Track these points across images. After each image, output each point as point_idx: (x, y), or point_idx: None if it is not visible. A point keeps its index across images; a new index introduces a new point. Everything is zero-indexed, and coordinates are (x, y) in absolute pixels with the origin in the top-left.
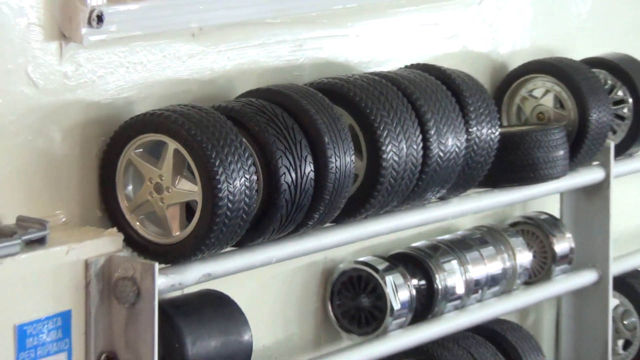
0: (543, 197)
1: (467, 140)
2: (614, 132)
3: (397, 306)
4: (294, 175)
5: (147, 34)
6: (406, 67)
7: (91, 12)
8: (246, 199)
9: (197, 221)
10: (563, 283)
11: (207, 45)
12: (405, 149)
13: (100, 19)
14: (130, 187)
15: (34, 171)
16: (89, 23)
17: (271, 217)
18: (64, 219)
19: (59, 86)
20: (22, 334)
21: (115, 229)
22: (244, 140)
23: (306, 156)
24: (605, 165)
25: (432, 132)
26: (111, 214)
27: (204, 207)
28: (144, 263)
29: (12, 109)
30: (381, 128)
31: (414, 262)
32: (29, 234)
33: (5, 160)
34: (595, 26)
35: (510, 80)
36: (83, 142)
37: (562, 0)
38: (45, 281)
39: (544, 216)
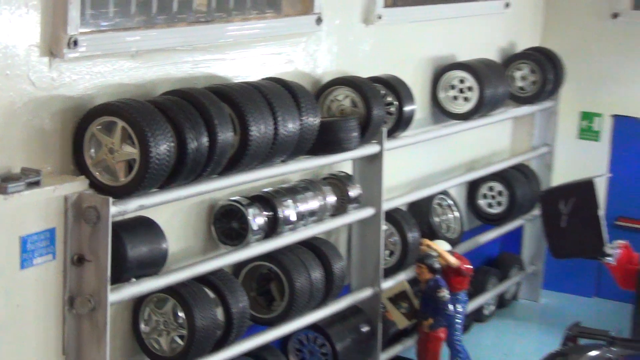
0: (343, 162)
1: (300, 125)
2: (386, 122)
3: (255, 227)
4: (195, 144)
5: (104, 53)
6: (262, 79)
7: (69, 38)
8: (166, 159)
9: (135, 172)
10: (354, 215)
11: (141, 62)
12: (263, 130)
13: (75, 43)
14: (92, 150)
15: (32, 139)
16: (68, 46)
17: (181, 170)
18: (50, 170)
19: (48, 85)
20: (24, 242)
21: (83, 177)
22: (165, 121)
23: (203, 132)
24: (380, 143)
25: (280, 119)
26: (80, 167)
27: (139, 163)
28: (102, 198)
29: (19, 99)
30: (248, 116)
31: (266, 200)
32: (29, 179)
33: (14, 132)
34: (374, 58)
35: (323, 89)
36: (63, 121)
37: (354, 42)
38: (39, 208)
39: (343, 174)
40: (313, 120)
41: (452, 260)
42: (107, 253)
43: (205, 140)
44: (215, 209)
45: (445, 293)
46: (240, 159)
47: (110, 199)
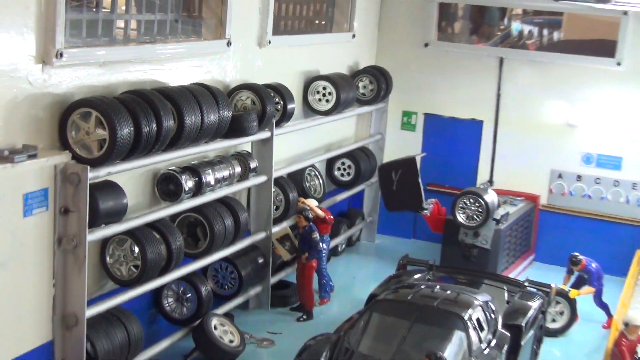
0: (246, 143)
1: (219, 117)
2: (274, 116)
3: (186, 189)
4: (147, 129)
5: (80, 62)
6: (191, 84)
7: (57, 51)
8: (127, 139)
9: (105, 149)
10: (253, 181)
11: (106, 70)
12: (193, 119)
13: (61, 55)
14: (73, 133)
15: (29, 124)
16: (55, 56)
17: (137, 148)
18: (42, 147)
19: (41, 85)
20: (26, 197)
21: (67, 152)
22: (126, 112)
23: (153, 120)
24: (271, 130)
25: (205, 112)
26: (64, 145)
27: (108, 142)
28: (81, 166)
29: (20, 95)
30: (183, 109)
31: (193, 169)
32: (29, 152)
33: (17, 118)
34: (266, 70)
35: (232, 92)
36: (52, 111)
37: (252, 59)
38: (36, 174)
39: (245, 152)
40: (227, 114)
41: (320, 212)
42: (85, 206)
43: (154, 126)
44: (158, 175)
45: (316, 235)
46: (177, 140)
47: (88, 167)
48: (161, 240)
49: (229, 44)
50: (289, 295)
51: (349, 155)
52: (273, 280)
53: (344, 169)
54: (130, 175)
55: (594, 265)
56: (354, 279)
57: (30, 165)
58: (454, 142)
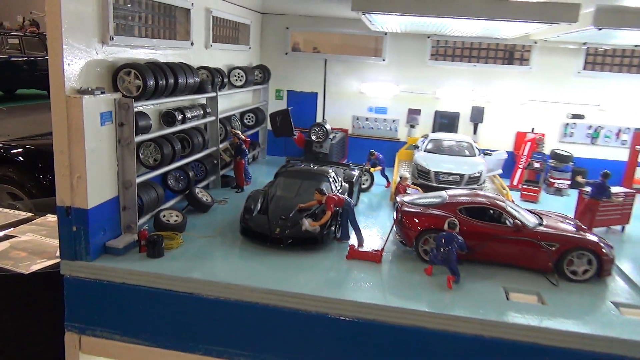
0: (203, 98)
1: (193, 80)
2: (218, 84)
3: (179, 118)
4: (162, 82)
5: (123, 44)
6: (178, 62)
7: (110, 36)
8: (152, 86)
9: (140, 91)
10: (208, 119)
11: (136, 50)
12: (182, 80)
13: (112, 38)
14: (121, 82)
15: (98, 78)
16: (110, 39)
17: (156, 92)
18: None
19: (103, 55)
20: (102, 115)
21: (119, 92)
22: (150, 72)
23: (164, 78)
24: (216, 92)
25: (187, 76)
26: (116, 89)
27: (142, 87)
28: (130, 99)
29: (93, 60)
30: (178, 74)
31: (181, 109)
32: (101, 90)
33: (91, 74)
34: (210, 60)
35: (196, 69)
36: (108, 70)
37: (207, 53)
38: (106, 102)
39: (205, 103)
40: (197, 79)
41: (242, 136)
42: (132, 122)
43: (164, 82)
44: (162, 111)
45: (243, 147)
46: (174, 91)
47: (133, 100)
48: (169, 145)
49: (192, 44)
50: (229, 182)
51: (251, 111)
52: (221, 173)
53: (249, 118)
54: (151, 111)
55: (380, 155)
56: (258, 175)
57: (102, 97)
58: (304, 104)
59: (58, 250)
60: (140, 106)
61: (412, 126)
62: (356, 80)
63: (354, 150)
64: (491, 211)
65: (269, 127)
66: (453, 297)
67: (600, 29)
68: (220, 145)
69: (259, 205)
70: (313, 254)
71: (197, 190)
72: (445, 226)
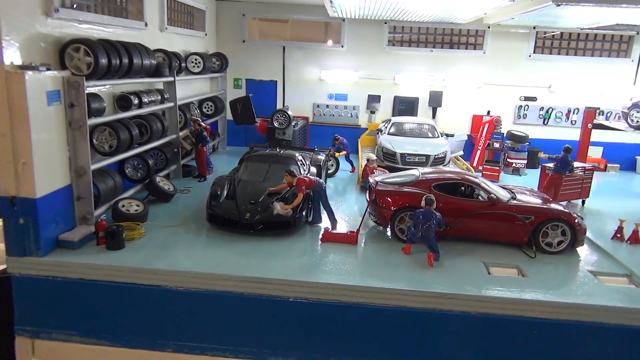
0: (160, 82)
1: (149, 62)
2: (170, 68)
3: (135, 102)
4: (115, 61)
5: (70, 18)
6: (133, 42)
7: (54, 7)
8: (104, 65)
9: (92, 69)
10: (166, 105)
11: (83, 25)
12: (137, 60)
13: (57, 10)
14: (69, 59)
15: (43, 53)
16: (55, 11)
17: (109, 72)
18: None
19: (47, 29)
20: (48, 94)
21: (68, 70)
22: (103, 49)
23: (117, 56)
24: (174, 76)
25: (143, 57)
26: (64, 67)
27: (93, 65)
28: (80, 77)
29: (36, 34)
30: (132, 53)
31: (138, 93)
32: (47, 66)
33: (35, 49)
34: (166, 45)
35: (152, 51)
36: (55, 45)
37: (158, 37)
38: (52, 80)
39: (162, 88)
40: (152, 62)
41: (204, 124)
42: (84, 103)
43: (118, 61)
44: (116, 95)
45: (204, 134)
46: (129, 71)
47: (84, 77)
48: (126, 130)
49: (146, 24)
50: (191, 171)
51: (210, 99)
52: (182, 163)
53: (208, 107)
54: (105, 94)
55: (344, 140)
56: (220, 165)
57: (48, 74)
58: (263, 92)
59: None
60: (92, 87)
61: (373, 112)
62: (316, 67)
63: (316, 138)
64: (463, 187)
65: (229, 116)
66: (434, 275)
67: (558, 5)
68: (180, 133)
69: (225, 191)
70: (285, 238)
71: (157, 178)
72: (423, 203)
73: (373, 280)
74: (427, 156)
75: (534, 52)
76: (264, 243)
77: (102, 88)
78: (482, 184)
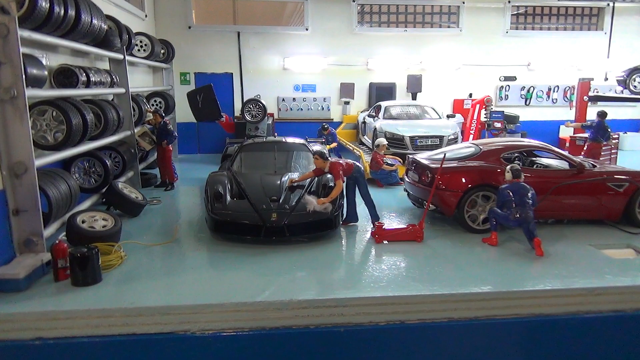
0: (105, 61)
1: (99, 24)
2: (126, 43)
3: (83, 79)
4: (58, 8)
5: None
6: None
7: None
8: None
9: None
10: (116, 90)
11: None
12: (54, 7)
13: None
14: None
15: None
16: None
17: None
18: None
19: None
20: None
21: None
22: None
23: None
24: (123, 54)
25: (93, 14)
26: None
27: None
28: (9, 17)
29: None
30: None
31: (82, 68)
32: None
33: None
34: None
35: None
36: None
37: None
38: None
39: (110, 69)
40: (101, 25)
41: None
42: (19, 61)
43: (62, 10)
44: (55, 69)
45: (170, 126)
46: (74, 28)
47: (15, 21)
48: (78, 113)
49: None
50: (150, 179)
51: (159, 94)
52: (140, 167)
53: (157, 103)
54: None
55: (333, 130)
56: (184, 172)
57: None
58: (217, 88)
59: None
60: (27, 36)
61: (347, 102)
62: (277, 54)
63: (280, 132)
64: (531, 158)
65: (180, 118)
66: (548, 266)
67: None
68: (136, 129)
69: (227, 191)
70: (319, 244)
71: (120, 185)
72: (508, 175)
73: (503, 285)
74: (441, 137)
75: (510, 29)
76: (293, 252)
77: (41, 57)
78: (557, 150)
